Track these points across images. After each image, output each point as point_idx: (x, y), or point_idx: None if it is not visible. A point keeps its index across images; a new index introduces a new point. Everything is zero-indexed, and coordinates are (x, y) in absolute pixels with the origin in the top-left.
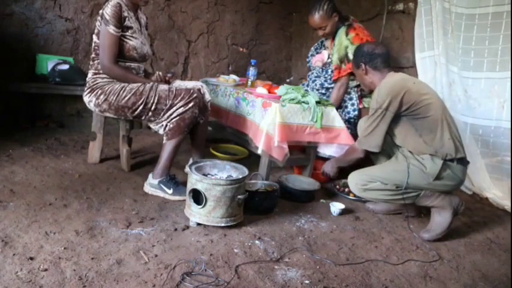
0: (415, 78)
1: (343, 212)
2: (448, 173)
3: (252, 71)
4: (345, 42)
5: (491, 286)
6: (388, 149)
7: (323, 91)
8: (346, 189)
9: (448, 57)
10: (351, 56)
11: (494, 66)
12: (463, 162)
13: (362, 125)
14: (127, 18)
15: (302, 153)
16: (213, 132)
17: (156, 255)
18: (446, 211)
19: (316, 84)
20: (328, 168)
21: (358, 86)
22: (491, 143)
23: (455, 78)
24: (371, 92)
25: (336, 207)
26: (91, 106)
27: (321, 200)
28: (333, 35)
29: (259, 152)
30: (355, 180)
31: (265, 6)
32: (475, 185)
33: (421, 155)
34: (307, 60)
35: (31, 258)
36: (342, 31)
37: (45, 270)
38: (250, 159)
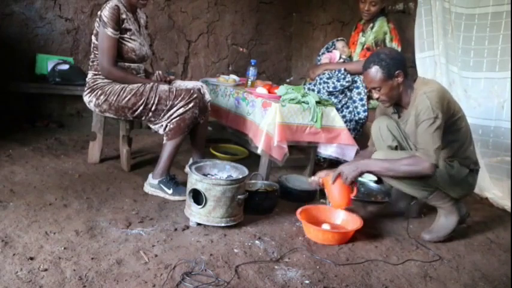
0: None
1: None
2: (468, 181)
3: (252, 71)
4: (385, 28)
5: (491, 286)
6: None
7: (336, 93)
8: None
9: (448, 57)
10: (388, 43)
11: (493, 66)
12: (477, 171)
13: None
14: (125, 20)
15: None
16: (213, 132)
17: (156, 255)
18: (454, 216)
19: (329, 87)
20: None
21: None
22: (491, 143)
23: (455, 78)
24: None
25: None
26: (91, 106)
27: (321, 200)
28: (371, 18)
29: (259, 152)
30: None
31: (265, 6)
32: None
33: (449, 160)
34: (318, 59)
35: (31, 258)
36: (383, 18)
37: (45, 270)
38: (250, 159)
